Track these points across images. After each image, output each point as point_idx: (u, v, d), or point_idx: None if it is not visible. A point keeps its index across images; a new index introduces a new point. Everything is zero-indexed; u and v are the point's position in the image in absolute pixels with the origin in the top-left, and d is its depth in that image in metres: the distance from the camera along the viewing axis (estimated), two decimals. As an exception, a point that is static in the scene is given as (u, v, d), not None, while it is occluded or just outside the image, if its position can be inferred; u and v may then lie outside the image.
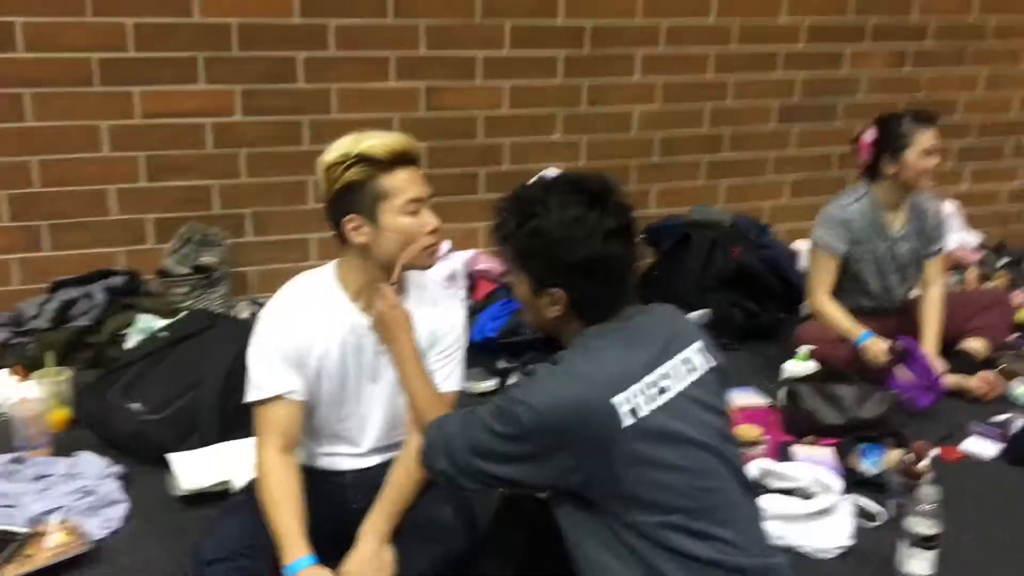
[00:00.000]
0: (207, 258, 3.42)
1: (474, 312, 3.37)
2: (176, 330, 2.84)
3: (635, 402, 1.50)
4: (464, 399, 2.01)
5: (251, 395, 1.90)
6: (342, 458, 2.04)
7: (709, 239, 3.68)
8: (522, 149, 3.93)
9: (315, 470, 2.02)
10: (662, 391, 1.54)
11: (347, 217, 1.84)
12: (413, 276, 2.00)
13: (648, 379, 1.53)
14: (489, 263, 3.79)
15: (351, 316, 1.92)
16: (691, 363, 1.62)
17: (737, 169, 4.35)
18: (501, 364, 3.20)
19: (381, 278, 1.89)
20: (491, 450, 1.54)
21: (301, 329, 1.89)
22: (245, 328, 2.42)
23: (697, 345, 1.66)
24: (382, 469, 1.98)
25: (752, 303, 3.62)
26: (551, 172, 3.78)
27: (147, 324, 3.13)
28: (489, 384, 3.11)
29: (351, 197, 1.82)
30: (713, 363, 1.67)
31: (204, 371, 2.66)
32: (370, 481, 1.98)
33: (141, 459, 2.54)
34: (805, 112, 4.37)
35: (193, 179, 3.52)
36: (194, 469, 2.40)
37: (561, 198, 1.56)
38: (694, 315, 3.48)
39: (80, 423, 2.72)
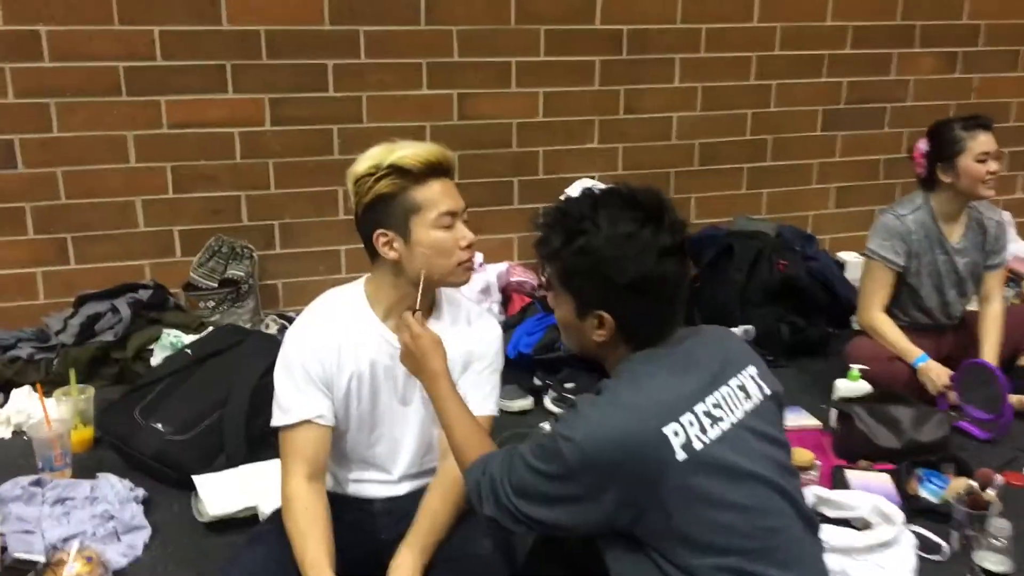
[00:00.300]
0: (235, 271, 3.38)
1: (508, 327, 3.28)
2: (202, 346, 2.79)
3: (688, 433, 1.40)
4: (498, 418, 1.94)
5: (277, 419, 1.83)
6: (372, 485, 1.95)
7: (753, 250, 3.56)
8: (557, 157, 3.86)
9: (343, 497, 1.94)
10: (716, 421, 1.44)
11: (378, 231, 1.76)
12: (446, 293, 1.92)
13: (701, 408, 1.43)
14: (524, 275, 3.74)
15: (381, 335, 1.84)
16: (746, 390, 1.52)
17: (780, 177, 4.25)
18: (536, 381, 3.11)
19: (413, 296, 1.80)
20: (536, 491, 1.45)
21: (329, 350, 1.81)
22: (273, 344, 2.36)
23: (752, 370, 1.56)
24: (414, 497, 1.89)
25: (799, 317, 3.51)
26: (587, 182, 3.72)
27: (173, 339, 3.09)
28: (524, 403, 3.02)
29: (382, 210, 1.75)
30: (769, 390, 1.56)
31: (231, 389, 2.60)
32: (401, 510, 1.89)
33: (165, 481, 2.49)
34: (851, 118, 4.26)
35: (221, 190, 3.48)
36: (220, 493, 2.34)
37: (611, 213, 1.47)
38: (737, 330, 3.36)
39: (102, 443, 2.67)
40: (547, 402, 3.05)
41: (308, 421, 1.80)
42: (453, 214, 1.77)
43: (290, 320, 3.39)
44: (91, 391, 2.77)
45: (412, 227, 1.74)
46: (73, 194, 3.31)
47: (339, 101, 3.50)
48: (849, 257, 4.13)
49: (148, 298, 3.25)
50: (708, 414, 1.43)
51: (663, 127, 3.99)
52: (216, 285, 3.35)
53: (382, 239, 1.76)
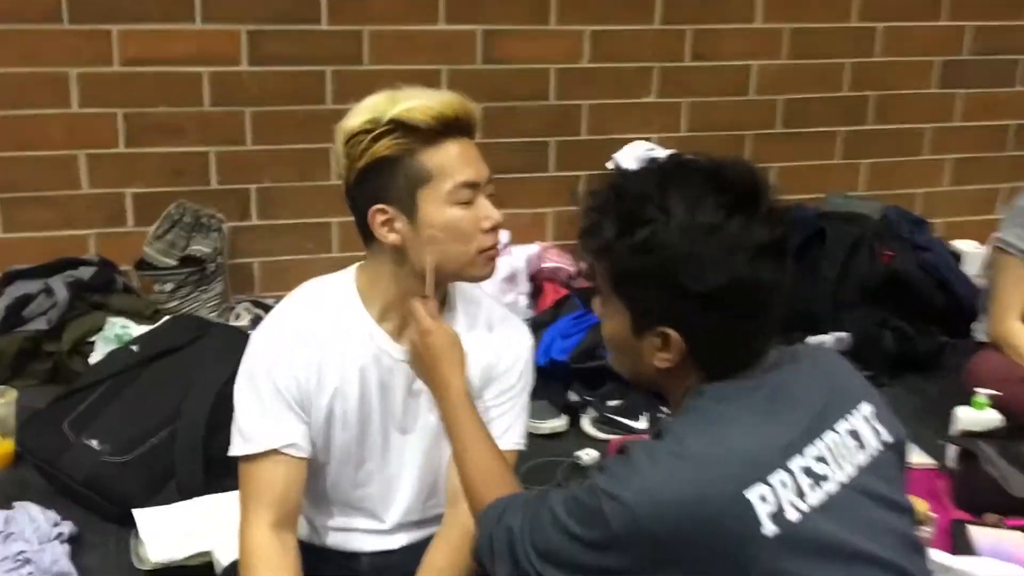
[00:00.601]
0: (199, 246, 3.30)
1: (539, 326, 3.17)
2: (152, 342, 2.69)
3: (780, 498, 1.24)
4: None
5: (236, 447, 1.70)
6: (358, 535, 1.83)
7: (850, 237, 3.44)
8: (606, 113, 3.78)
9: (320, 550, 1.83)
10: (819, 481, 1.29)
11: (374, 207, 1.63)
12: (461, 288, 1.78)
13: (798, 463, 1.28)
14: (559, 260, 3.65)
15: (376, 342, 1.70)
16: (860, 437, 1.37)
17: (884, 145, 4.16)
18: (572, 396, 2.99)
19: (418, 291, 1.67)
20: (567, 558, 1.31)
21: (307, 360, 1.68)
22: (242, 340, 2.25)
23: (867, 409, 1.40)
24: (412, 553, 1.78)
25: (906, 323, 3.39)
26: (642, 146, 3.61)
27: (120, 330, 3.02)
28: (556, 423, 2.91)
29: (380, 179, 1.61)
30: (890, 436, 1.41)
31: (186, 398, 2.51)
32: (395, 569, 1.79)
33: (100, 513, 2.40)
34: (975, 72, 4.16)
35: (185, 144, 3.40)
36: (167, 533, 2.25)
37: (687, 195, 1.30)
38: (828, 338, 3.26)
39: (25, 460, 2.57)
40: (585, 424, 2.94)
41: (276, 452, 1.67)
42: (474, 186, 1.63)
43: (267, 309, 3.31)
44: (12, 394, 2.69)
45: (419, 202, 1.61)
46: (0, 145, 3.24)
47: (334, 36, 3.42)
48: (967, 247, 4.02)
49: (91, 277, 3.18)
50: (808, 471, 1.28)
51: (739, 78, 3.89)
52: (175, 263, 3.28)
53: (380, 217, 1.63)
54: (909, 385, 3.26)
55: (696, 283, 1.27)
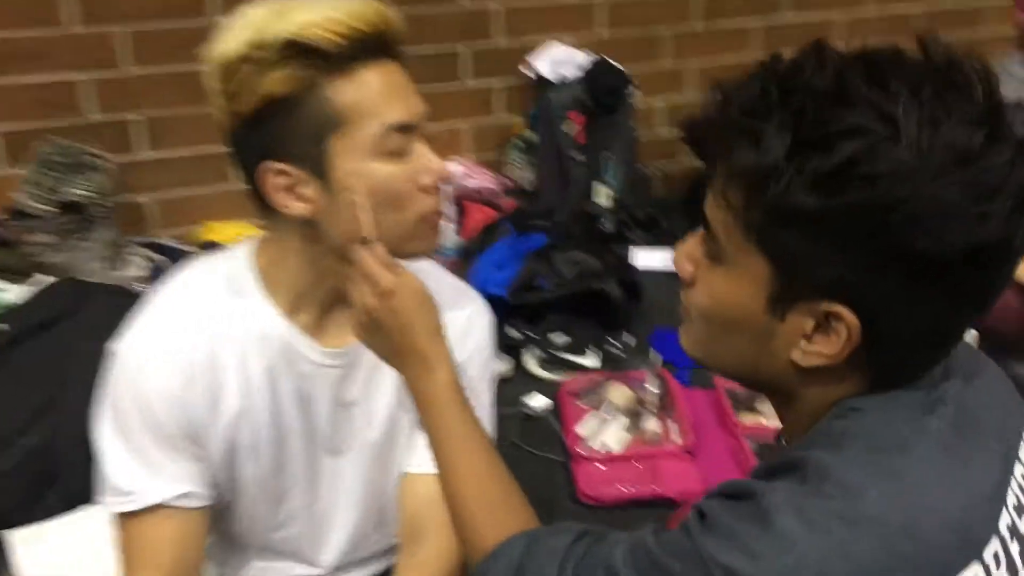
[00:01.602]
0: (77, 189, 2.57)
1: (468, 254, 2.60)
2: (24, 318, 2.04)
3: None
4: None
5: (112, 503, 1.12)
6: None
7: None
8: (521, 16, 3.13)
9: None
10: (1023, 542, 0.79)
11: (266, 165, 1.03)
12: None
13: (1005, 523, 0.76)
14: (482, 178, 2.99)
15: (287, 343, 1.13)
16: None
17: (799, 39, 3.53)
18: (513, 333, 2.39)
19: (339, 275, 1.08)
20: None
21: (194, 375, 1.10)
22: (132, 303, 1.66)
23: None
24: None
25: None
26: (560, 50, 3.09)
27: None
28: (501, 367, 2.31)
29: (273, 127, 1.02)
30: None
31: (67, 385, 1.87)
32: None
33: None
34: None
35: (50, 72, 2.66)
36: (49, 560, 1.66)
37: (923, 98, 0.70)
38: None
39: None
40: (530, 364, 2.35)
41: (163, 506, 1.10)
42: (407, 128, 1.05)
43: (169, 253, 2.69)
44: None
45: (331, 156, 1.02)
46: None
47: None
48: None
49: (-46, 231, 2.48)
50: (1016, 531, 0.77)
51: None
52: (53, 210, 2.55)
53: (276, 180, 1.04)
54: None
55: (933, 241, 0.69)
